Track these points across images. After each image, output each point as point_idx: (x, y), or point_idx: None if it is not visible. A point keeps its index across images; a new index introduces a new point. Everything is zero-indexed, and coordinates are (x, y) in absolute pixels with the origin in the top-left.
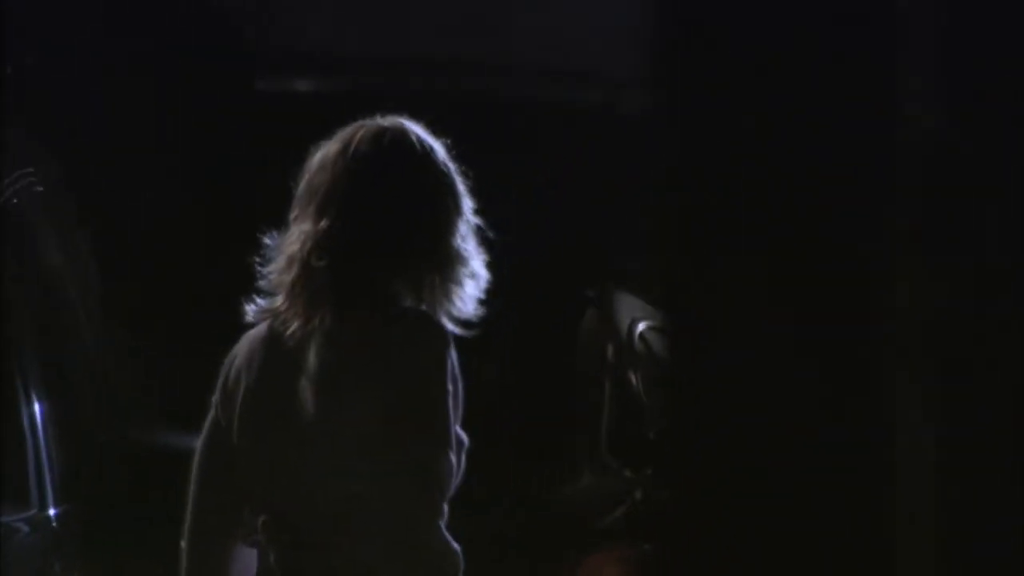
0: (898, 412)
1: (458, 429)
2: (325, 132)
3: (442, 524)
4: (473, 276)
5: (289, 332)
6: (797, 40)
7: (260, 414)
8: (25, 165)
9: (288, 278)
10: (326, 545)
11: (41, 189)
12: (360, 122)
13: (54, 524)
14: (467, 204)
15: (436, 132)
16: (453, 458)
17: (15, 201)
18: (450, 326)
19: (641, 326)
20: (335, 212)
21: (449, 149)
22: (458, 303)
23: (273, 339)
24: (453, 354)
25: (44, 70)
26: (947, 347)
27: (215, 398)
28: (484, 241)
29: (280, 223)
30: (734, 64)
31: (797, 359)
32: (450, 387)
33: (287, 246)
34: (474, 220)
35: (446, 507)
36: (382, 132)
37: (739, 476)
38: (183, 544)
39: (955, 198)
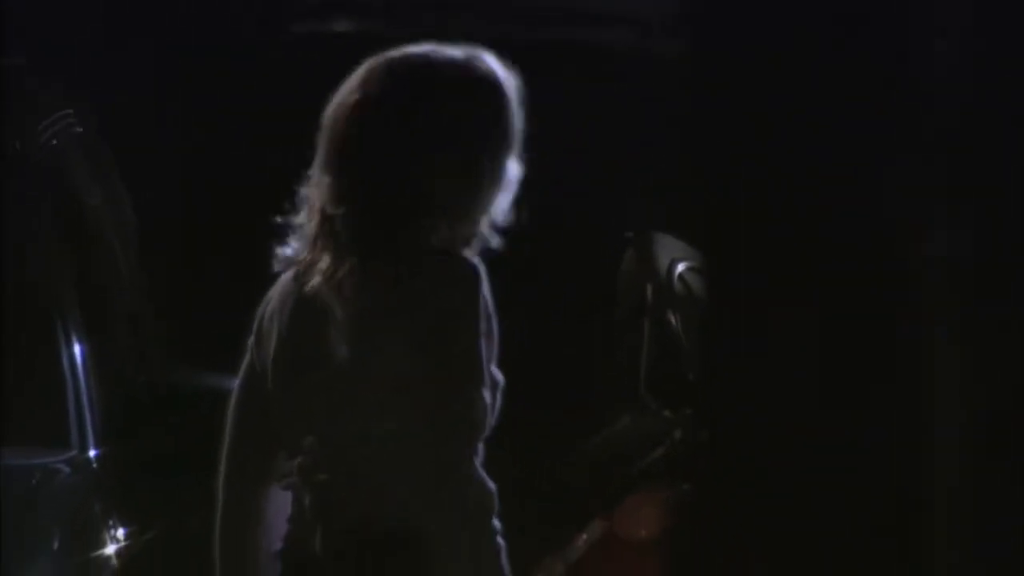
0: (932, 381)
1: (493, 368)
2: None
3: (478, 462)
4: (496, 208)
5: (316, 281)
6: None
7: (293, 361)
8: (64, 107)
9: (310, 229)
10: (360, 486)
11: (80, 131)
12: (377, 56)
13: (94, 465)
14: (496, 135)
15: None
16: (487, 396)
17: (54, 142)
18: (476, 256)
19: (680, 267)
20: (347, 158)
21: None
22: (483, 234)
23: (302, 287)
24: (486, 291)
25: (79, 17)
26: (975, 340)
27: (250, 341)
28: (519, 174)
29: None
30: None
31: (829, 322)
32: (483, 326)
33: (309, 195)
34: (505, 154)
35: (481, 446)
36: (392, 68)
37: (777, 417)
38: (219, 487)
39: (981, 186)
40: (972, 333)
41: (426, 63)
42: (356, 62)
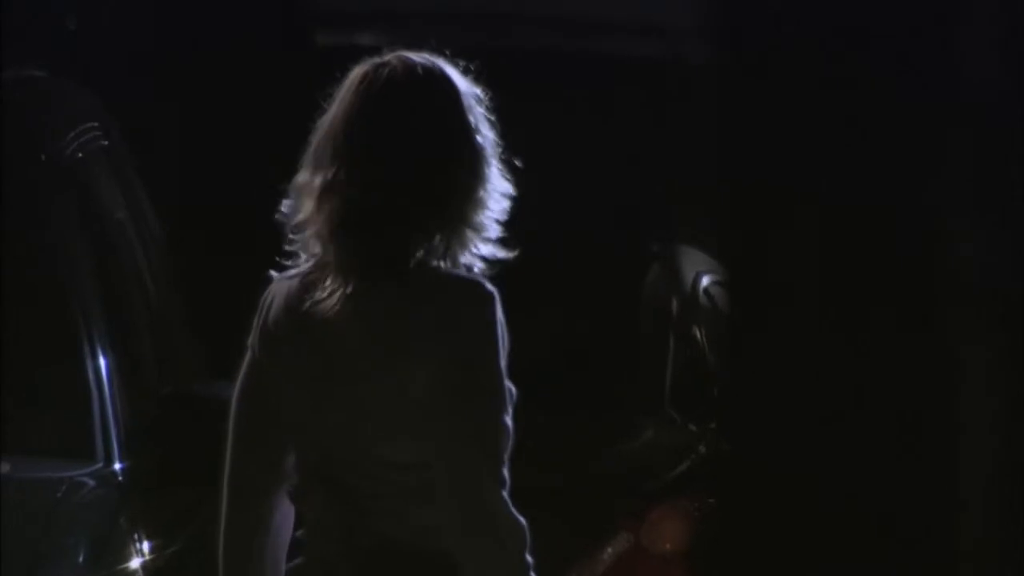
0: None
1: (507, 381)
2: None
3: (506, 494)
4: (490, 220)
5: (327, 299)
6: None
7: (307, 376)
8: (89, 119)
9: (308, 237)
10: (384, 508)
11: (105, 143)
12: (366, 62)
13: (119, 478)
14: (480, 140)
15: (499, 87)
16: (509, 422)
17: (80, 155)
18: (477, 265)
19: (705, 280)
20: (339, 164)
21: (483, 95)
22: (477, 246)
23: (312, 301)
24: (500, 314)
25: (105, 27)
26: (1009, 353)
27: (251, 341)
28: (512, 174)
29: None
30: (797, 30)
31: (860, 331)
32: (501, 349)
33: (303, 206)
34: (494, 160)
35: (507, 474)
36: (376, 74)
37: (801, 432)
38: (222, 492)
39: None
40: (1006, 348)
41: (408, 70)
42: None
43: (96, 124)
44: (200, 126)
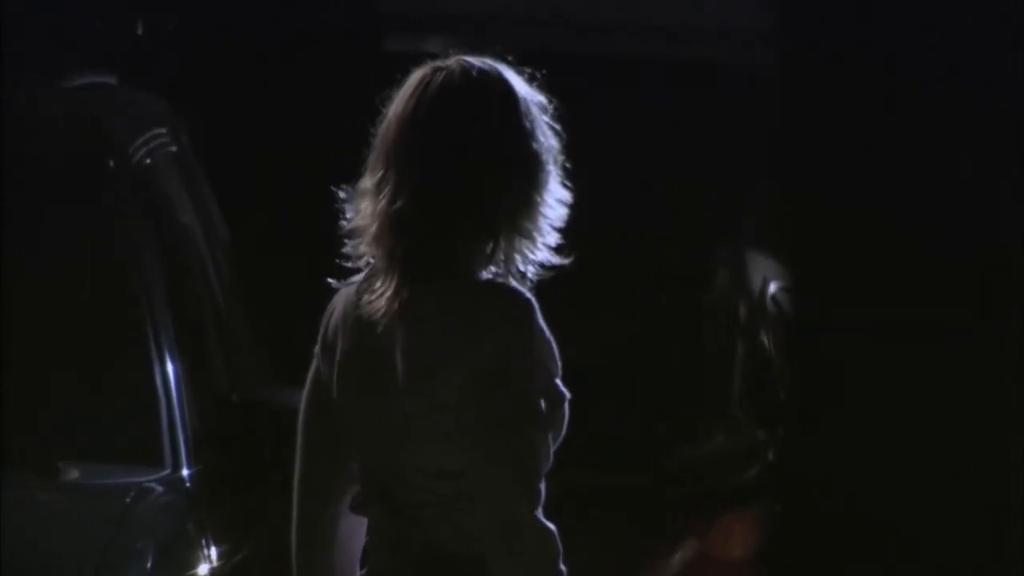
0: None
1: (558, 382)
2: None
3: (537, 509)
4: (548, 229)
5: (374, 302)
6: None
7: (356, 381)
8: (158, 125)
9: (363, 246)
10: (428, 516)
11: (174, 149)
12: (425, 65)
13: (187, 484)
14: (536, 146)
15: (562, 93)
16: (542, 433)
17: (148, 161)
18: (531, 272)
19: (773, 287)
20: (389, 168)
21: (548, 101)
22: (532, 252)
23: (362, 306)
24: (539, 322)
25: (173, 33)
26: None
27: (316, 350)
28: (569, 185)
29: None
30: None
31: (924, 338)
32: (537, 359)
33: (360, 208)
34: (553, 167)
35: (542, 488)
36: (432, 77)
37: (869, 438)
38: (293, 503)
39: None
40: None
41: (463, 73)
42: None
43: (165, 130)
44: (268, 131)
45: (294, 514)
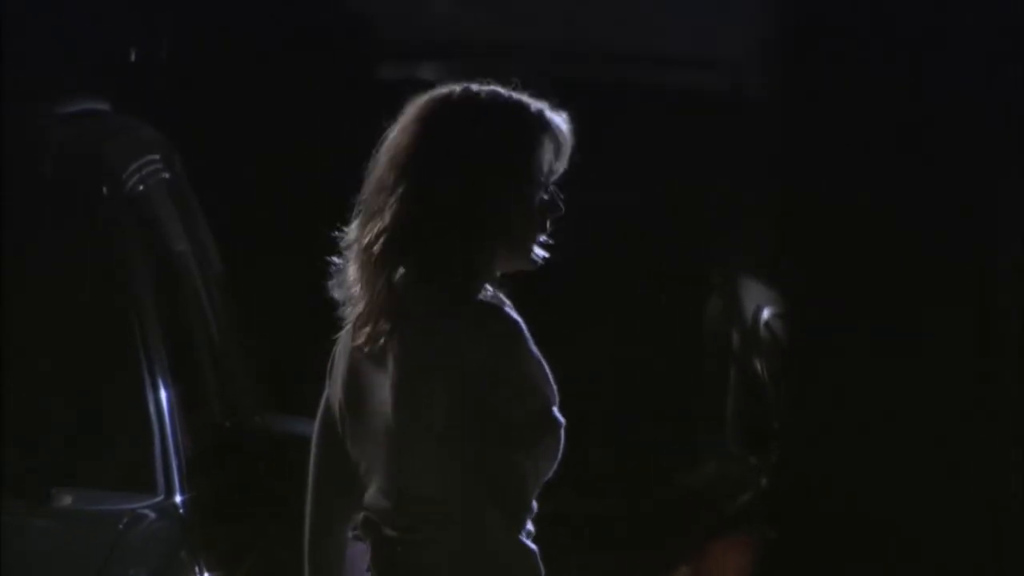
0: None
1: (553, 408)
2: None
3: (519, 533)
4: (528, 251)
5: (360, 332)
6: (926, 34)
7: (352, 410)
8: (151, 152)
9: (350, 280)
10: (419, 544)
11: (167, 176)
12: (426, 92)
13: (180, 511)
14: (543, 172)
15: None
16: (525, 459)
17: (141, 188)
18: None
19: (766, 313)
20: (377, 192)
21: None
22: (504, 274)
23: (356, 338)
24: (525, 344)
25: (166, 60)
26: None
27: (327, 380)
28: (566, 209)
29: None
30: (856, 59)
31: (920, 355)
32: (525, 384)
33: (351, 244)
34: (536, 189)
35: (526, 512)
36: (426, 104)
37: (863, 465)
38: (304, 527)
39: None
40: None
41: (474, 97)
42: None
43: (157, 157)
44: (261, 157)
45: (307, 534)
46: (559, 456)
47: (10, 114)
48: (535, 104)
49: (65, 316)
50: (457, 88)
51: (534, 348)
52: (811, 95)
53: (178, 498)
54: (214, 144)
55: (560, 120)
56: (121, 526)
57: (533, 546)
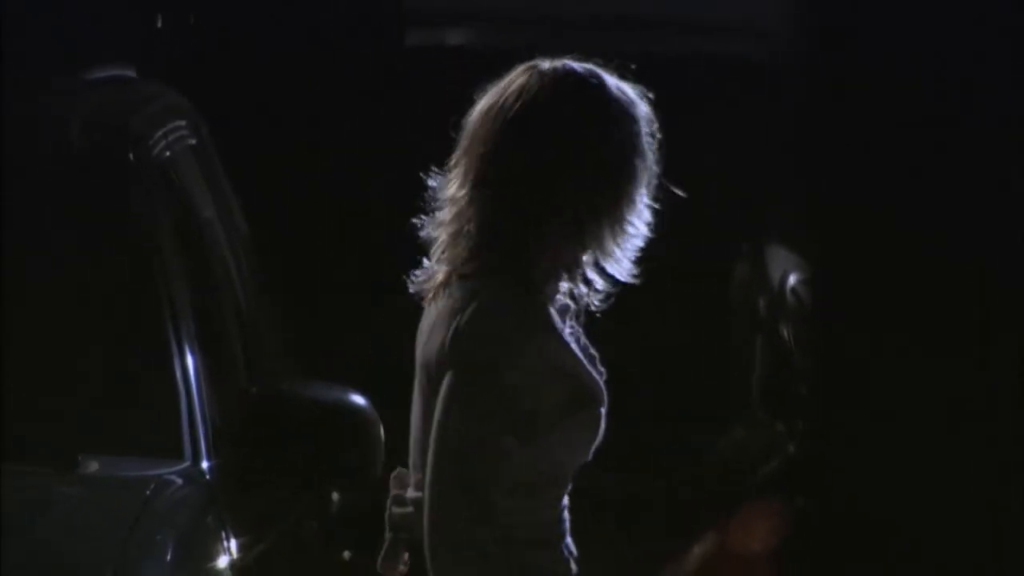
0: None
1: (591, 385)
2: (472, 88)
3: (483, 527)
4: (623, 246)
5: (423, 287)
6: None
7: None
8: (177, 118)
9: (437, 240)
10: (412, 529)
11: (193, 142)
12: (525, 65)
13: (207, 477)
14: (640, 165)
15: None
16: (495, 454)
17: (167, 154)
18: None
19: (792, 279)
20: (477, 172)
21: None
22: (609, 271)
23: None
24: (535, 342)
25: (192, 27)
26: None
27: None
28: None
29: (425, 180)
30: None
31: (947, 332)
32: (545, 372)
33: (441, 202)
34: (643, 187)
35: (495, 505)
36: (549, 78)
37: (891, 431)
38: None
39: None
40: None
41: (586, 78)
42: (470, 75)
43: (184, 123)
44: (289, 125)
45: None
46: (598, 435)
47: (36, 82)
48: (630, 89)
49: (92, 283)
50: (553, 68)
51: (555, 344)
52: (840, 70)
53: (205, 464)
54: (241, 110)
55: (646, 110)
56: (148, 492)
57: (495, 549)
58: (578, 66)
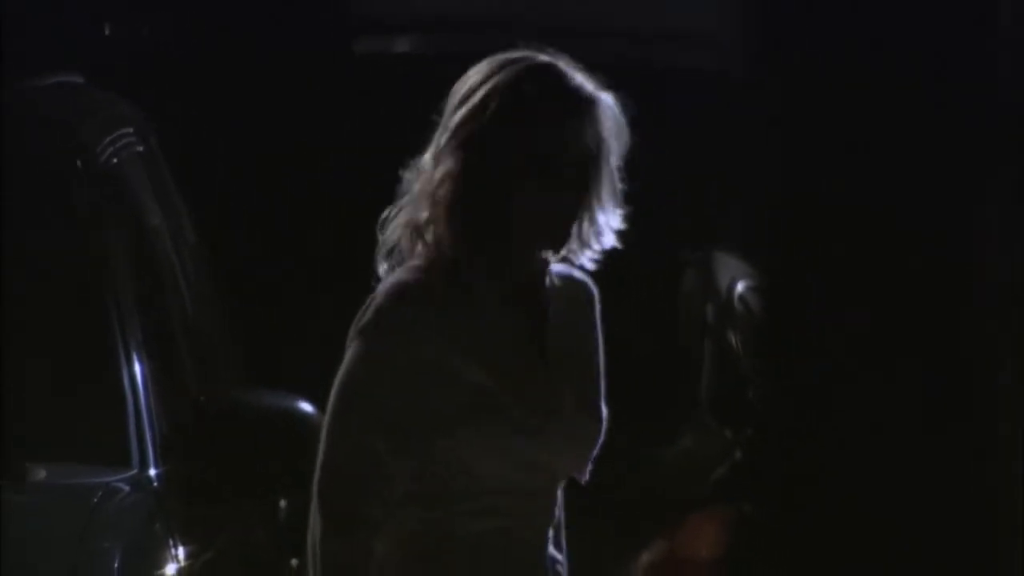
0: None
1: (475, 380)
2: (421, 95)
3: (334, 529)
4: (610, 230)
5: (434, 293)
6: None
7: None
8: (125, 125)
9: (418, 224)
10: None
11: (140, 149)
12: (505, 55)
13: (155, 484)
14: (613, 149)
15: None
16: (332, 438)
17: (115, 161)
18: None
19: (740, 287)
20: (476, 153)
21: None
22: (595, 247)
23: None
24: (382, 325)
25: (141, 34)
26: None
27: None
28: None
29: (378, 183)
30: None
31: (892, 338)
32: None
33: (423, 185)
34: (615, 168)
35: (351, 511)
36: (530, 67)
37: (838, 438)
38: None
39: None
40: None
41: (557, 70)
42: (415, 82)
43: (132, 130)
44: (238, 130)
45: None
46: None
47: None
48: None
49: (38, 290)
50: (538, 65)
51: (417, 327)
52: (783, 77)
53: (152, 471)
54: (189, 117)
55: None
56: (96, 500)
57: (347, 559)
58: (553, 60)
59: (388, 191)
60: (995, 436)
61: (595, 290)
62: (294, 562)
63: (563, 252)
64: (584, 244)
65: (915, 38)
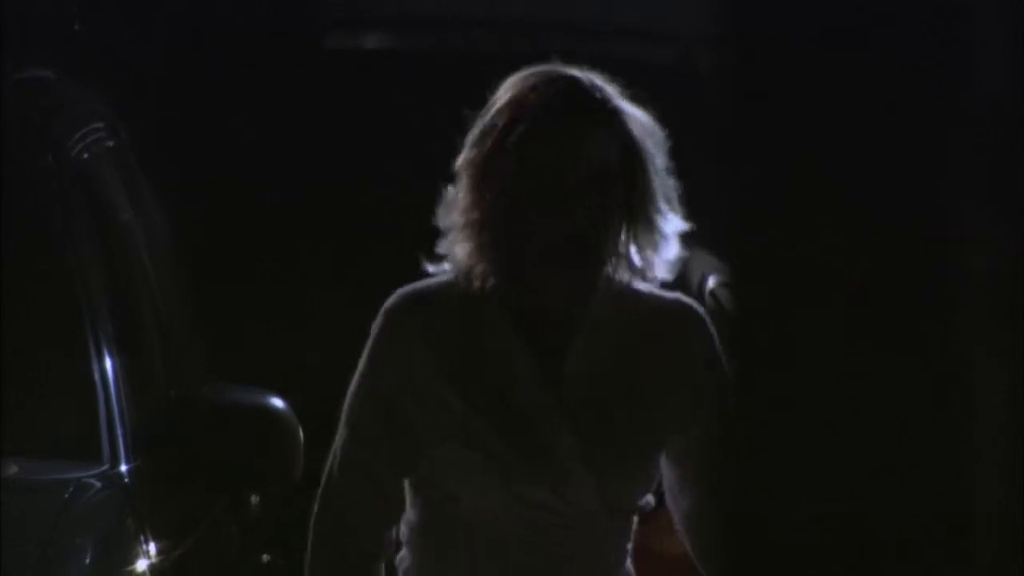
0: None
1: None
2: (395, 92)
3: (312, 549)
4: (665, 240)
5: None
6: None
7: None
8: (96, 120)
9: (471, 246)
10: None
11: (111, 144)
12: (532, 71)
13: (126, 480)
14: (657, 164)
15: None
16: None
17: (85, 156)
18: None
19: (711, 282)
20: (480, 171)
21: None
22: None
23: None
24: (385, 332)
25: (110, 28)
26: (1018, 356)
27: None
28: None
29: (351, 180)
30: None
31: (862, 336)
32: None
33: (461, 212)
34: (667, 179)
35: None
36: (563, 86)
37: (808, 433)
38: None
39: None
40: (1015, 349)
41: (567, 84)
42: (387, 79)
43: (102, 125)
44: (206, 127)
45: None
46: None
47: None
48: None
49: (9, 285)
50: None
51: (418, 342)
52: (756, 72)
53: (123, 467)
54: (159, 112)
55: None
56: (66, 495)
57: None
58: (584, 78)
59: (362, 188)
60: (970, 436)
61: (695, 324)
62: (265, 557)
63: (624, 274)
64: (631, 264)
65: (891, 29)
